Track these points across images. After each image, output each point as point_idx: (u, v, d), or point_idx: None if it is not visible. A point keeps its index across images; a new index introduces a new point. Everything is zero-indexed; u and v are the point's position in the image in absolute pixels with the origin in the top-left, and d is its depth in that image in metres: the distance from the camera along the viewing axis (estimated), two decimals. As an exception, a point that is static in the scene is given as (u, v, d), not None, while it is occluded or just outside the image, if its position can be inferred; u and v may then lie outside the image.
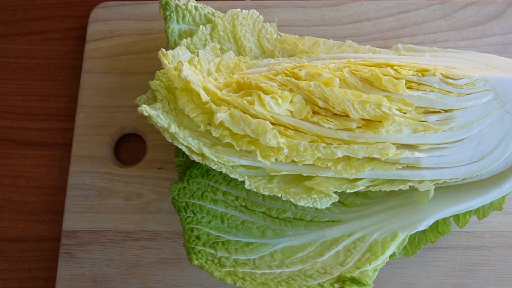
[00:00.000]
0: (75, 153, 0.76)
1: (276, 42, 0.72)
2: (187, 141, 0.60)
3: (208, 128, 0.61)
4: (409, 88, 0.60)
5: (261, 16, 0.73)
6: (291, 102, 0.59)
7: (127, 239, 0.71)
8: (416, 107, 0.59)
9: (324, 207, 0.61)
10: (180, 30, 0.71)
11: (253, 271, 0.57)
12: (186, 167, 0.67)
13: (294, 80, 0.60)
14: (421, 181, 0.61)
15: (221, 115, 0.58)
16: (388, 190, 0.62)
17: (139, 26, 0.83)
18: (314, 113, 0.60)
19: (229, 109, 0.59)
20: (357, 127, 0.60)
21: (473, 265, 0.69)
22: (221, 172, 0.62)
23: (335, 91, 0.58)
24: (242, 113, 0.58)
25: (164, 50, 0.64)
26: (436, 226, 0.65)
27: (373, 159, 0.60)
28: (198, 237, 0.59)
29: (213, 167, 0.61)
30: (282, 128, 0.60)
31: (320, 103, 0.60)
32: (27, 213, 0.76)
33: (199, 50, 0.67)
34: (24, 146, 0.80)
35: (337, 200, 0.62)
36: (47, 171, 0.78)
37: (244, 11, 0.72)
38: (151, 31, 0.83)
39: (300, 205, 0.61)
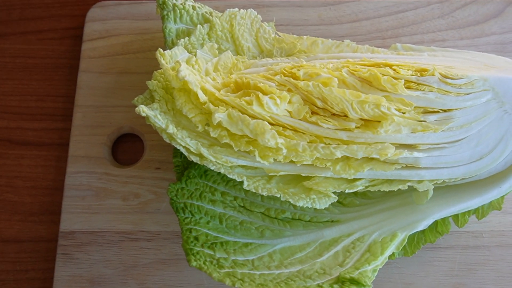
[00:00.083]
0: (72, 153, 0.75)
1: (274, 42, 0.72)
2: (185, 142, 0.60)
3: (206, 128, 0.60)
4: (408, 88, 0.59)
5: (259, 16, 0.73)
6: (289, 102, 0.59)
7: (125, 239, 0.71)
8: (415, 107, 0.59)
9: (323, 208, 0.61)
10: (178, 30, 0.70)
11: (252, 272, 0.57)
12: (184, 167, 0.67)
13: (292, 80, 0.60)
14: (420, 181, 0.61)
15: (219, 115, 0.58)
16: (387, 190, 0.62)
17: (136, 26, 0.83)
18: (313, 113, 0.60)
19: (227, 110, 0.58)
20: (356, 127, 0.59)
21: (472, 265, 0.69)
22: (219, 172, 0.62)
23: (333, 91, 0.58)
24: (241, 114, 0.58)
25: (161, 50, 0.64)
26: (435, 226, 0.65)
27: (372, 159, 0.60)
28: (196, 238, 0.59)
29: (212, 168, 0.61)
30: (281, 128, 0.59)
31: (319, 103, 0.60)
32: (24, 214, 0.76)
33: (197, 50, 0.67)
34: (20, 146, 0.79)
35: (336, 200, 0.62)
36: (44, 171, 0.78)
37: (242, 10, 0.72)
38: (148, 30, 0.83)
39: (299, 205, 0.61)
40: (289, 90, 0.60)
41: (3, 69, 0.84)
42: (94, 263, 0.70)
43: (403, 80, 0.59)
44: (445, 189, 0.64)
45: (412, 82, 0.60)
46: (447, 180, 0.61)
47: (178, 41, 0.68)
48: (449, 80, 0.60)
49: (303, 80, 0.60)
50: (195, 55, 0.66)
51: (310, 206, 0.60)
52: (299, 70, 0.61)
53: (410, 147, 0.60)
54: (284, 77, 0.61)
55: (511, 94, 0.60)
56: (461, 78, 0.60)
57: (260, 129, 0.57)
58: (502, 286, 0.68)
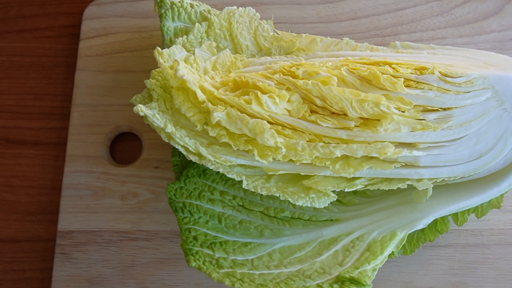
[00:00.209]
0: (70, 152, 0.75)
1: (272, 40, 0.71)
2: (183, 141, 0.60)
3: (205, 127, 0.60)
4: (407, 86, 0.59)
5: (257, 14, 0.72)
6: (288, 101, 0.59)
7: (124, 239, 0.71)
8: (414, 105, 0.59)
9: (322, 207, 0.61)
10: (176, 28, 0.70)
11: (251, 272, 0.57)
12: (183, 166, 0.66)
13: (291, 79, 0.60)
14: (419, 180, 0.61)
15: (218, 114, 0.57)
16: (387, 189, 0.62)
17: (133, 24, 0.82)
18: (312, 112, 0.60)
19: (226, 109, 0.58)
20: (355, 126, 0.59)
21: (471, 263, 0.69)
22: (218, 171, 0.61)
23: (333, 90, 0.58)
24: (239, 113, 0.58)
25: (159, 48, 0.63)
26: (434, 225, 0.64)
27: (372, 158, 0.60)
28: (195, 238, 0.59)
29: (210, 167, 0.60)
30: (280, 127, 0.59)
31: (318, 102, 0.59)
32: (21, 213, 0.75)
33: (195, 49, 0.67)
34: (18, 146, 0.79)
35: (335, 199, 0.62)
36: (42, 171, 0.78)
37: (240, 8, 0.71)
38: (145, 28, 0.82)
39: (298, 205, 0.61)
40: (288, 89, 0.60)
41: (-1, 67, 0.84)
42: (93, 263, 0.70)
43: (402, 79, 0.59)
44: (444, 188, 0.64)
45: (411, 80, 0.60)
46: (446, 179, 0.61)
47: (176, 39, 0.68)
48: (448, 79, 0.60)
49: (302, 79, 0.60)
50: (194, 54, 0.66)
51: (309, 205, 0.60)
52: (298, 68, 0.61)
53: (410, 145, 0.60)
54: (283, 75, 0.61)
55: (511, 93, 0.60)
56: (460, 77, 0.60)
57: (259, 128, 0.57)
58: (501, 284, 0.68)
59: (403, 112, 0.59)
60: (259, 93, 0.58)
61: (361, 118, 0.59)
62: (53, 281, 0.69)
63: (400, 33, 0.82)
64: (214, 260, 0.57)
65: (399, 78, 0.59)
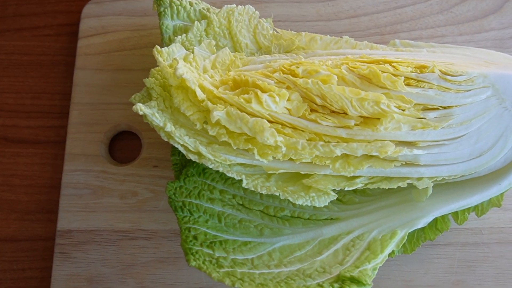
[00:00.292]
0: (68, 151, 0.75)
1: (272, 38, 0.71)
2: (183, 140, 0.60)
3: (204, 126, 0.60)
4: (407, 85, 0.59)
5: (257, 12, 0.72)
6: (288, 99, 0.59)
7: (123, 238, 0.70)
8: (414, 104, 0.59)
9: (322, 205, 0.61)
10: (175, 27, 0.70)
11: (251, 271, 0.56)
12: (182, 165, 0.66)
13: (291, 77, 0.60)
14: (419, 178, 0.61)
15: (218, 113, 0.57)
16: (387, 188, 0.62)
17: (132, 22, 0.82)
18: (312, 110, 0.60)
19: (226, 107, 0.58)
20: (355, 125, 0.59)
21: (471, 262, 0.69)
22: (217, 170, 0.61)
23: (333, 89, 0.57)
24: (239, 111, 0.58)
25: (158, 47, 0.63)
26: (434, 224, 0.64)
27: (372, 156, 0.60)
28: (195, 237, 0.59)
29: (210, 166, 0.60)
30: (280, 126, 0.59)
31: (318, 101, 0.59)
32: (20, 212, 0.75)
33: (194, 47, 0.66)
34: (16, 144, 0.79)
35: (335, 198, 0.62)
36: (41, 170, 0.77)
37: (239, 6, 0.71)
38: (144, 27, 0.82)
39: (298, 204, 0.60)
40: (288, 88, 0.60)
41: (-2, 66, 0.83)
42: (92, 262, 0.69)
43: (402, 77, 0.59)
44: (444, 186, 0.63)
45: (411, 79, 0.59)
46: (446, 177, 0.61)
47: (175, 38, 0.67)
48: (449, 77, 0.59)
49: (302, 78, 0.59)
50: (193, 52, 0.65)
51: (309, 204, 0.60)
52: (298, 67, 0.60)
53: (410, 144, 0.60)
54: (283, 74, 0.60)
55: (511, 91, 0.60)
56: (461, 75, 0.60)
57: (259, 127, 0.57)
58: (501, 283, 0.68)
59: (403, 110, 0.59)
60: (259, 92, 0.58)
61: (361, 116, 0.59)
62: (52, 280, 0.69)
63: (399, 31, 0.82)
64: (214, 259, 0.57)
65: (399, 77, 0.58)
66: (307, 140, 0.59)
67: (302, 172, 0.61)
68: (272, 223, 0.63)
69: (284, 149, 0.58)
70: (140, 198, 0.72)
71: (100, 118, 0.76)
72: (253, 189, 0.60)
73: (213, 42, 0.68)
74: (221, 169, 0.61)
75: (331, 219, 0.64)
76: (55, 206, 0.74)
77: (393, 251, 0.61)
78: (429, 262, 0.69)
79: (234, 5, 0.71)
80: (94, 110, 0.77)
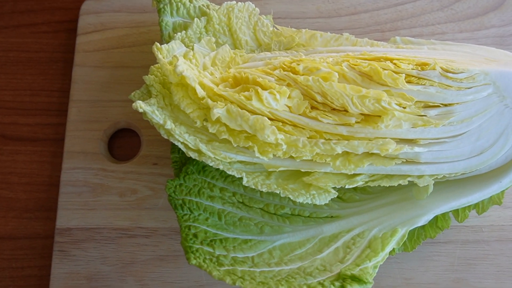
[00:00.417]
0: (67, 148, 0.74)
1: (272, 35, 0.71)
2: (183, 138, 0.59)
3: (204, 124, 0.60)
4: (408, 82, 0.59)
5: (257, 9, 0.71)
6: (289, 97, 0.58)
7: (122, 236, 0.70)
8: (415, 101, 0.59)
9: (322, 203, 0.61)
10: (174, 23, 0.69)
11: (252, 269, 0.56)
12: (182, 163, 0.66)
13: (292, 74, 0.59)
14: (420, 176, 0.61)
15: (218, 111, 0.57)
16: (387, 185, 0.61)
17: (131, 19, 0.82)
18: (313, 108, 0.59)
19: (226, 105, 0.58)
20: (356, 122, 0.59)
21: (472, 260, 0.69)
22: (217, 168, 0.61)
23: (334, 86, 0.57)
24: (240, 109, 0.57)
25: (158, 44, 0.63)
26: (435, 221, 0.64)
27: (372, 154, 0.60)
28: (195, 235, 0.58)
29: (210, 164, 0.60)
30: (280, 123, 0.59)
31: (319, 98, 0.59)
32: (19, 210, 0.75)
33: (194, 44, 0.66)
34: (15, 142, 0.78)
35: (335, 196, 0.61)
36: (39, 167, 0.77)
37: (239, 3, 0.71)
38: (143, 23, 0.81)
39: (299, 201, 0.60)
40: (288, 85, 0.60)
41: (-4, 63, 0.83)
42: (92, 260, 0.69)
43: (403, 75, 0.58)
44: (445, 184, 0.63)
45: (412, 76, 0.59)
46: (447, 175, 0.61)
47: (175, 34, 0.67)
48: (450, 74, 0.59)
49: (303, 75, 0.59)
50: (193, 49, 0.65)
51: (310, 202, 0.60)
52: (298, 64, 0.60)
53: (411, 142, 0.60)
54: (283, 71, 0.60)
55: (512, 88, 0.60)
56: (462, 72, 0.59)
57: (260, 125, 0.56)
58: (501, 281, 0.68)
59: (404, 108, 0.58)
60: (260, 89, 0.57)
61: (362, 114, 0.59)
62: (51, 279, 0.69)
63: (400, 28, 0.81)
64: (214, 257, 0.57)
65: (400, 74, 0.58)
66: (307, 137, 0.59)
67: (302, 170, 0.61)
68: (273, 221, 0.63)
69: (284, 146, 0.58)
70: (140, 196, 0.72)
71: (99, 116, 0.76)
72: (253, 187, 0.60)
73: (213, 39, 0.68)
74: (221, 167, 0.60)
75: (332, 217, 0.64)
76: (54, 204, 0.73)
77: (393, 249, 0.61)
78: (429, 260, 0.69)
79: (234, 2, 0.71)
80: (93, 107, 0.76)
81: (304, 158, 0.59)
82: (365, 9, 0.82)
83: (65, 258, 0.69)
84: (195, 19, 0.69)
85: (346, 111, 0.59)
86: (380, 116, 0.58)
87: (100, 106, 0.76)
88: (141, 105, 0.58)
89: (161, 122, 0.59)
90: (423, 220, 0.62)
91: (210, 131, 0.59)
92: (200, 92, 0.58)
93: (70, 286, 0.68)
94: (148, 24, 0.81)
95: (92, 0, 0.82)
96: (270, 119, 0.58)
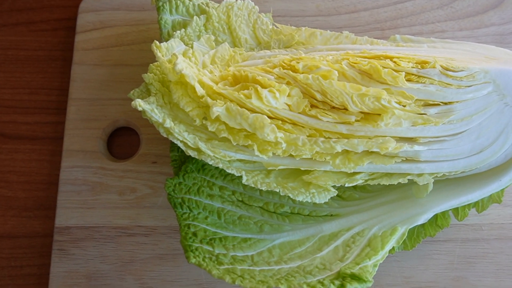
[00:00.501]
0: (66, 147, 0.74)
1: (272, 33, 0.71)
2: (182, 136, 0.59)
3: (204, 122, 0.59)
4: (408, 80, 0.59)
5: (256, 7, 0.71)
6: (288, 95, 0.58)
7: (122, 234, 0.70)
8: (415, 100, 0.59)
9: (322, 202, 0.60)
10: (174, 21, 0.69)
11: (251, 268, 0.56)
12: (182, 161, 0.66)
13: (291, 73, 0.59)
14: (420, 175, 0.61)
15: (218, 109, 0.57)
16: (387, 184, 0.61)
17: (130, 17, 0.81)
18: (312, 106, 0.59)
19: (226, 103, 0.57)
20: (356, 121, 0.59)
21: (471, 258, 0.69)
22: (217, 166, 0.61)
23: (333, 84, 0.57)
24: (239, 107, 0.57)
25: (157, 42, 0.62)
26: (435, 220, 0.64)
27: (372, 152, 0.59)
28: (195, 234, 0.58)
29: (210, 162, 0.60)
30: (280, 122, 0.59)
31: (318, 96, 0.59)
32: (18, 209, 0.75)
33: (194, 42, 0.66)
34: (14, 140, 0.78)
35: (335, 195, 0.61)
36: (38, 166, 0.77)
37: (239, 1, 0.71)
38: (142, 21, 0.81)
39: (298, 200, 0.60)
40: (288, 83, 0.60)
41: (-6, 61, 0.82)
42: (91, 259, 0.69)
43: (403, 73, 0.58)
44: (445, 183, 0.63)
45: (412, 74, 0.59)
46: (447, 173, 0.61)
47: (174, 32, 0.67)
48: (450, 73, 0.59)
49: (303, 73, 0.59)
50: (192, 47, 0.65)
51: (309, 201, 0.60)
52: (298, 62, 0.60)
53: (411, 140, 0.59)
54: (283, 69, 0.60)
55: (512, 87, 0.60)
56: (462, 71, 0.59)
57: (259, 123, 0.56)
58: (501, 279, 0.68)
59: (404, 106, 0.58)
60: (259, 88, 0.57)
61: (361, 112, 0.59)
62: (50, 277, 0.68)
63: (400, 26, 0.81)
64: (214, 256, 0.57)
65: (400, 72, 0.58)
66: (307, 136, 0.59)
67: (302, 168, 0.61)
68: (272, 219, 0.63)
69: (284, 145, 0.58)
70: (139, 194, 0.72)
71: (98, 114, 0.76)
72: (252, 185, 0.60)
73: (212, 37, 0.68)
74: (220, 165, 0.60)
75: (331, 215, 0.64)
76: (53, 203, 0.73)
77: (393, 248, 0.61)
78: (429, 258, 0.69)
79: (234, 0, 0.70)
80: (92, 105, 0.76)
81: (303, 156, 0.59)
82: (365, 7, 0.82)
83: (64, 257, 0.69)
84: (195, 17, 0.68)
85: (345, 109, 0.59)
86: (380, 115, 0.58)
87: (99, 105, 0.76)
88: (140, 104, 0.58)
89: (160, 120, 0.59)
90: (423, 219, 0.62)
91: (209, 129, 0.59)
92: (200, 90, 0.58)
93: (69, 285, 0.68)
94: (147, 22, 0.81)
95: (91, -2, 0.82)
96: (269, 117, 0.58)
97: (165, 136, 0.60)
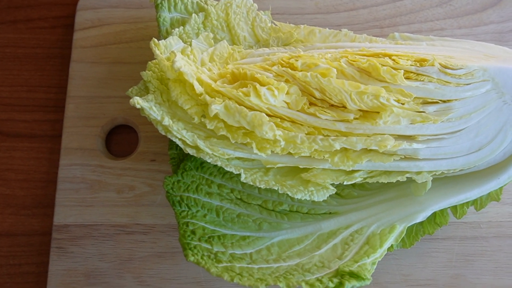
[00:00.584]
0: (65, 145, 0.74)
1: (270, 31, 0.71)
2: (181, 134, 0.59)
3: (202, 120, 0.59)
4: (407, 78, 0.59)
5: (255, 4, 0.71)
6: (287, 93, 0.58)
7: (120, 233, 0.70)
8: (414, 97, 0.58)
9: (321, 200, 0.60)
10: (172, 19, 0.69)
11: (250, 266, 0.56)
12: (180, 159, 0.66)
13: (290, 70, 0.59)
14: (418, 173, 0.60)
15: (216, 107, 0.57)
16: (386, 182, 0.61)
17: (129, 14, 0.81)
18: (311, 104, 0.59)
19: (224, 101, 0.57)
20: (355, 119, 0.59)
21: (470, 256, 0.69)
22: (215, 164, 0.61)
23: (332, 82, 0.57)
24: (238, 105, 0.57)
25: (156, 40, 0.62)
26: (433, 218, 0.64)
27: (371, 150, 0.59)
28: (193, 232, 0.58)
29: (208, 160, 0.60)
30: (279, 120, 0.59)
31: (317, 94, 0.59)
32: (16, 207, 0.74)
33: (192, 40, 0.66)
34: (12, 138, 0.78)
35: (334, 192, 0.61)
36: (37, 164, 0.77)
37: (237, -1, 0.70)
38: (141, 19, 0.81)
39: (297, 198, 0.60)
40: (286, 81, 0.59)
41: (-8, 59, 0.82)
42: (89, 257, 0.69)
43: (402, 71, 0.58)
44: (443, 181, 0.63)
45: (411, 72, 0.59)
46: (446, 171, 0.61)
47: (173, 30, 0.67)
48: (448, 71, 0.59)
49: (301, 71, 0.59)
50: (190, 45, 0.65)
51: (308, 199, 0.60)
52: (297, 60, 0.60)
53: (409, 138, 0.59)
54: (281, 67, 0.60)
55: (511, 85, 0.59)
56: (461, 68, 0.59)
57: (258, 121, 0.56)
58: (499, 277, 0.68)
59: (402, 104, 0.58)
60: (258, 85, 0.57)
61: (360, 110, 0.59)
62: (49, 275, 0.68)
63: (399, 24, 0.81)
64: (212, 254, 0.57)
65: (399, 70, 0.58)
66: (306, 134, 0.59)
67: (300, 166, 0.61)
68: (271, 217, 0.63)
69: (283, 143, 0.58)
70: (137, 192, 0.71)
71: (97, 112, 0.75)
72: (251, 183, 0.60)
73: (211, 35, 0.68)
74: (219, 163, 0.60)
75: (330, 213, 0.64)
76: (52, 201, 0.73)
77: (392, 245, 0.61)
78: (427, 256, 0.69)
79: (232, -2, 0.70)
80: (91, 103, 0.76)
81: (302, 154, 0.59)
82: (364, 5, 0.82)
83: (63, 255, 0.69)
84: (193, 14, 0.68)
85: (344, 107, 0.59)
86: (378, 113, 0.58)
87: (97, 102, 0.76)
88: (138, 101, 0.58)
89: (159, 118, 0.59)
90: (421, 217, 0.62)
91: (208, 127, 0.59)
92: (198, 88, 0.58)
93: (67, 283, 0.68)
94: (145, 20, 0.81)
95: (89, -5, 0.82)
96: (268, 115, 0.58)
97: (163, 134, 0.60)
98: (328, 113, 0.58)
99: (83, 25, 0.80)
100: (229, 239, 0.60)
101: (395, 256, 0.68)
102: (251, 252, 0.59)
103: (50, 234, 0.70)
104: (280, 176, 0.62)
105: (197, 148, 0.60)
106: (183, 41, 0.66)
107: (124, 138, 0.77)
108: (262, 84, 0.58)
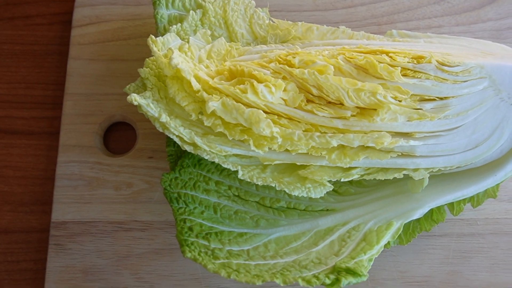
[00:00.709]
0: (63, 142, 0.74)
1: (268, 28, 0.71)
2: (178, 131, 0.59)
3: (199, 117, 0.59)
4: (404, 75, 0.59)
5: (253, 1, 0.71)
6: (284, 90, 0.58)
7: (118, 229, 0.70)
8: (411, 95, 0.59)
9: (318, 197, 0.61)
10: (170, 16, 0.69)
11: (247, 262, 0.56)
12: (178, 156, 0.66)
13: (287, 67, 0.59)
14: (415, 170, 0.61)
15: (213, 104, 0.57)
16: (383, 179, 0.61)
17: (127, 11, 0.81)
18: (308, 101, 0.59)
19: (221, 98, 0.57)
20: (352, 116, 0.59)
21: (466, 252, 0.69)
22: (213, 161, 0.61)
23: (329, 79, 0.57)
24: (235, 102, 0.57)
25: (153, 37, 0.62)
26: (430, 215, 0.64)
27: (368, 147, 0.60)
28: (190, 229, 0.58)
29: (206, 157, 0.60)
30: (276, 117, 0.59)
31: (314, 91, 0.59)
32: (14, 204, 0.75)
33: (190, 37, 0.66)
34: (10, 135, 0.78)
35: (331, 189, 0.61)
36: (35, 161, 0.77)
37: (235, -4, 0.70)
38: (139, 16, 0.81)
39: (294, 195, 0.60)
40: (284, 78, 0.59)
41: (-10, 56, 0.82)
42: (87, 254, 0.69)
43: (399, 68, 0.58)
44: (440, 178, 0.63)
45: (408, 69, 0.59)
46: (442, 168, 0.61)
47: (170, 27, 0.67)
48: (446, 68, 0.59)
49: (299, 68, 0.59)
50: (188, 42, 0.65)
51: (305, 195, 0.60)
52: (294, 57, 0.60)
53: (406, 135, 0.59)
54: (279, 64, 0.60)
55: (508, 82, 0.60)
56: (458, 66, 0.59)
57: (255, 118, 0.56)
58: (496, 273, 0.68)
59: (399, 101, 0.58)
60: (255, 82, 0.57)
61: (357, 107, 0.59)
62: (47, 272, 0.68)
63: (396, 22, 0.81)
64: (209, 250, 0.57)
65: (396, 67, 0.58)
66: (303, 131, 0.59)
67: (298, 163, 0.61)
68: (268, 214, 0.63)
69: (280, 140, 0.58)
70: (135, 189, 0.72)
71: (95, 109, 0.75)
72: (249, 180, 0.60)
73: (209, 32, 0.68)
74: (216, 160, 0.60)
75: (327, 210, 0.64)
76: (50, 198, 0.73)
77: (388, 242, 0.61)
78: (424, 253, 0.69)
79: (230, -5, 0.70)
80: (89, 100, 0.76)
81: (299, 151, 0.59)
82: (362, 2, 0.82)
83: (61, 252, 0.69)
84: (191, 11, 0.68)
85: (341, 104, 0.59)
86: (375, 110, 0.58)
87: (95, 99, 0.76)
88: (136, 98, 0.58)
89: (156, 115, 0.59)
90: (418, 213, 0.62)
91: (205, 124, 0.59)
92: (195, 85, 0.58)
93: (66, 280, 0.68)
94: (143, 17, 0.81)
95: (87, -8, 0.82)
96: (265, 112, 0.58)
97: (161, 130, 0.60)
98: (325, 110, 0.59)
99: (81, 22, 0.80)
100: (227, 235, 0.60)
101: (392, 253, 0.69)
102: (248, 248, 0.59)
103: (48, 231, 0.70)
104: (278, 173, 0.62)
105: (194, 145, 0.60)
106: (180, 38, 0.66)
107: (122, 135, 0.77)
108: (259, 81, 0.58)
